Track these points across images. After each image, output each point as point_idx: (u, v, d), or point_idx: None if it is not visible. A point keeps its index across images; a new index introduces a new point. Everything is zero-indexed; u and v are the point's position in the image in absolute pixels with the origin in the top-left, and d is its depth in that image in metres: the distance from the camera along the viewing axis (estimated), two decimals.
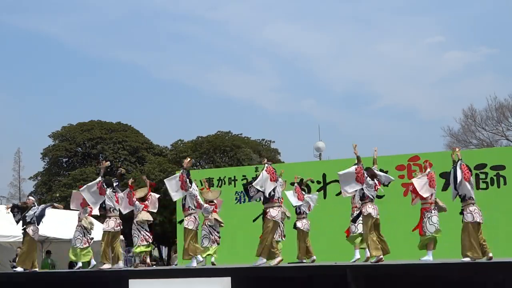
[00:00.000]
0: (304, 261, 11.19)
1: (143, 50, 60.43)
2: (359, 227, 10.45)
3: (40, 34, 55.84)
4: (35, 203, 11.66)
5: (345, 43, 59.13)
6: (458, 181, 8.88)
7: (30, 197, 12.34)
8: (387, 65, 56.97)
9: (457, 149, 9.50)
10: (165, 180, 10.20)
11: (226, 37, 60.37)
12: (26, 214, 11.26)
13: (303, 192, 11.43)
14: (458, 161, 9.10)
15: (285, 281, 8.39)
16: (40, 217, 11.27)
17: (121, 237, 19.47)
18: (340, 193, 13.71)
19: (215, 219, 12.08)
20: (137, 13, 59.04)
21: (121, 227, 10.84)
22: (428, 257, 9.78)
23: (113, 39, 58.77)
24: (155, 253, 32.48)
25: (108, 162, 11.65)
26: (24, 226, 11.26)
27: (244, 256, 12.86)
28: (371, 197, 9.40)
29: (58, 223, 16.99)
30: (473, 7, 54.59)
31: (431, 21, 55.64)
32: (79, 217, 12.23)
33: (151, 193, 12.42)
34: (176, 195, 10.06)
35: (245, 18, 61.34)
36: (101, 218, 12.57)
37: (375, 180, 9.49)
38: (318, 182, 14.24)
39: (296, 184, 11.32)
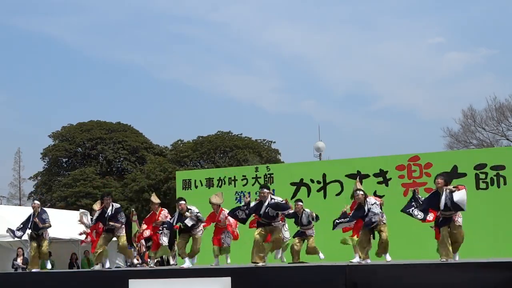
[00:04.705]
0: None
1: (144, 51, 60.52)
2: None
3: (41, 35, 56.04)
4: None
5: (346, 44, 59.23)
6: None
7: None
8: (387, 66, 57.07)
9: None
10: None
11: (227, 38, 60.49)
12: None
13: None
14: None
15: (285, 281, 8.39)
16: None
17: None
18: (340, 193, 13.89)
19: None
20: (138, 14, 59.13)
21: None
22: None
23: (114, 40, 58.86)
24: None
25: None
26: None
27: (244, 256, 12.83)
28: None
29: (58, 223, 16.96)
30: (473, 8, 54.68)
31: (431, 22, 55.77)
32: None
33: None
34: None
35: (246, 20, 61.46)
36: None
37: None
38: (318, 182, 14.23)
39: None
